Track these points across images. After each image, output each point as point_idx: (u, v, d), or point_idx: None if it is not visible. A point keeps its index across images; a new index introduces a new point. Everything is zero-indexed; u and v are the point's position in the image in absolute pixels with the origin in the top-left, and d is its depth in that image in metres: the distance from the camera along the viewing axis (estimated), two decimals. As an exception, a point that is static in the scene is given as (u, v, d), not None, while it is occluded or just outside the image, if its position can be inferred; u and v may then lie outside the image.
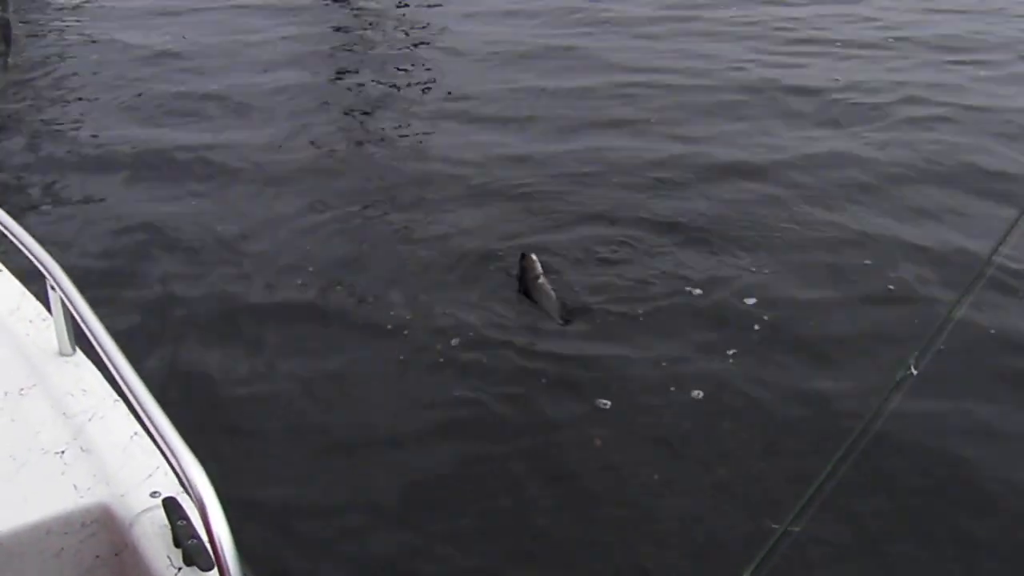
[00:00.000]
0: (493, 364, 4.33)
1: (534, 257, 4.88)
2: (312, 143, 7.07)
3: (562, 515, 3.52)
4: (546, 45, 9.19)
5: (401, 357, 4.40)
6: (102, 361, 2.11)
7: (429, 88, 8.22)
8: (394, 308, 4.78)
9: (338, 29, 10.17)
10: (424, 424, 4.00)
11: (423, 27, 10.08)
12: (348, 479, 3.71)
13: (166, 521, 1.78)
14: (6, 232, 2.32)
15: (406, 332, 4.57)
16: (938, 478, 3.69)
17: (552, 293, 4.77)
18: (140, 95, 8.06)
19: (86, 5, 11.06)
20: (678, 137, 6.98)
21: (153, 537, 1.78)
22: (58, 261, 2.16)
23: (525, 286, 4.84)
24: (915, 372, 1.34)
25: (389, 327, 4.62)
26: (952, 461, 3.76)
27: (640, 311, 4.75)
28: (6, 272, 2.65)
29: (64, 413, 2.09)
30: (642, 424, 3.97)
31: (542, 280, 4.81)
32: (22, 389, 2.16)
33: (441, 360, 4.37)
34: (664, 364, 4.32)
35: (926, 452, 3.78)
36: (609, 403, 4.05)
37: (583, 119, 7.38)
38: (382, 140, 7.22)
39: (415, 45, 9.58)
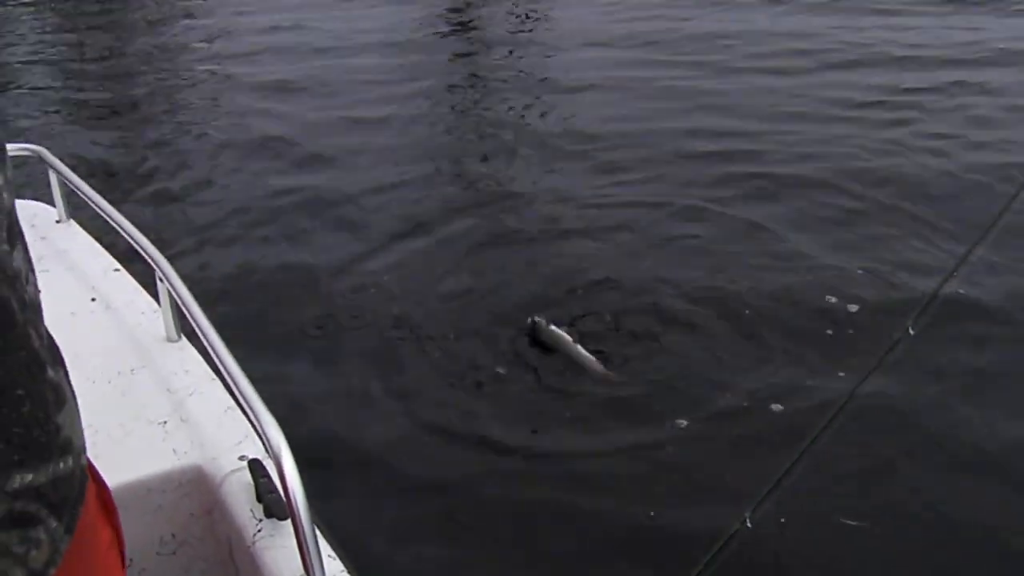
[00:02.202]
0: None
1: (542, 321, 4.66)
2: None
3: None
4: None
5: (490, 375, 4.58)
6: (203, 346, 2.36)
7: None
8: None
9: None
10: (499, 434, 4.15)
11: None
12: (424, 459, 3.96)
13: (250, 480, 1.99)
14: (120, 230, 2.59)
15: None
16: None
17: (579, 349, 4.54)
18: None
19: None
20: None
21: (239, 494, 2.00)
22: (166, 255, 2.43)
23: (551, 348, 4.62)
24: (912, 333, 1.43)
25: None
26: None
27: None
28: (123, 271, 2.93)
29: (168, 389, 2.33)
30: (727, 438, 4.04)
31: (565, 337, 4.59)
32: (133, 369, 2.42)
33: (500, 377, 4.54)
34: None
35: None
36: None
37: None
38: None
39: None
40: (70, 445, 0.94)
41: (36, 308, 0.92)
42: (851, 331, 4.65)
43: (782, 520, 3.39)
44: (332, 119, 8.22)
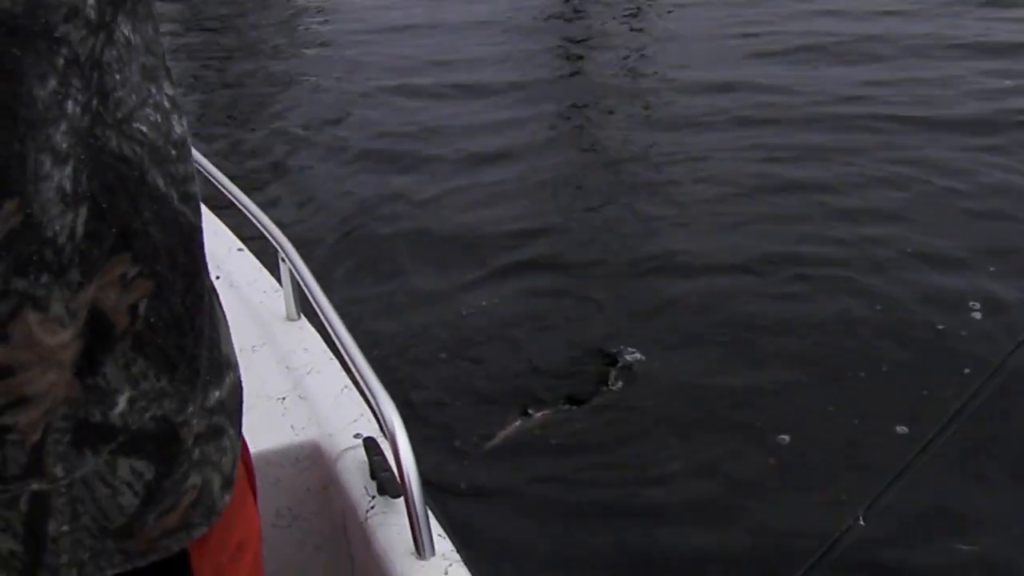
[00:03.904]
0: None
1: None
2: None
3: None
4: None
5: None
6: (322, 325, 2.43)
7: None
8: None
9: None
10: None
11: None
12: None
13: (365, 457, 2.03)
14: (244, 210, 2.67)
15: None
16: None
17: None
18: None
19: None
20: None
21: (354, 471, 2.04)
22: (288, 236, 2.49)
23: None
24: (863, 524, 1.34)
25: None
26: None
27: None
28: (246, 251, 3.02)
29: (287, 367, 2.39)
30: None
31: None
32: (254, 347, 2.49)
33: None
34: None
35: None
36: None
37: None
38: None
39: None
40: (233, 357, 1.04)
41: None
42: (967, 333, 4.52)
43: (897, 518, 3.32)
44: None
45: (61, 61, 0.78)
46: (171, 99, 0.92)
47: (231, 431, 1.01)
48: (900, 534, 3.34)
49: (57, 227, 0.79)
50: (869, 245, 5.50)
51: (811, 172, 6.55)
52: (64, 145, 0.78)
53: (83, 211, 0.81)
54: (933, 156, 6.61)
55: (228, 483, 1.00)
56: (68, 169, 0.79)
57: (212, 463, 0.97)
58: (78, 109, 0.79)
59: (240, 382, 1.06)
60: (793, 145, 6.99)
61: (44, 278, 0.79)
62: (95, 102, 0.81)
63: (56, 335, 0.81)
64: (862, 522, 1.39)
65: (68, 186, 0.79)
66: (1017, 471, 3.70)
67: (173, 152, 0.91)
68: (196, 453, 0.95)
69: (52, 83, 0.77)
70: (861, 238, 5.59)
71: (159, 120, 0.89)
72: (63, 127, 0.78)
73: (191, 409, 0.93)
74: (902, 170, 6.44)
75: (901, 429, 3.90)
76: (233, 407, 1.02)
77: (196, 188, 0.96)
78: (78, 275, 0.81)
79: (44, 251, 0.78)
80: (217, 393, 0.97)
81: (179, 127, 0.93)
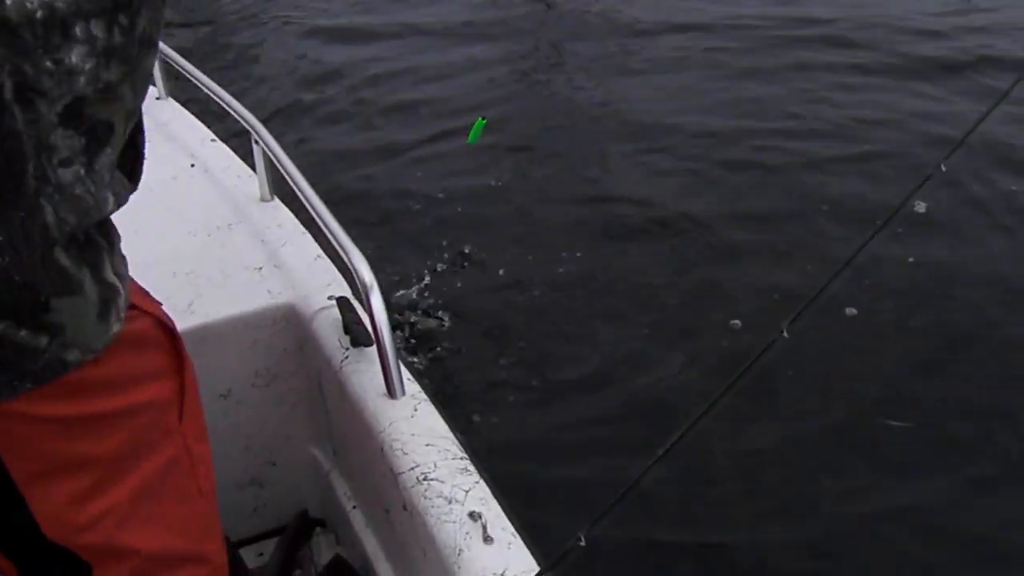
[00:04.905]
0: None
1: None
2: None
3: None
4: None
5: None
6: (294, 204, 2.56)
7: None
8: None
9: None
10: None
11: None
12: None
13: (338, 315, 2.18)
14: (215, 97, 2.77)
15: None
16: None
17: None
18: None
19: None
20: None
21: (328, 327, 2.19)
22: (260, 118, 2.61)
23: None
24: (786, 335, 1.44)
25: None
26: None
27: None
28: (219, 141, 3.12)
29: (262, 241, 2.53)
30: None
31: None
32: (230, 224, 2.62)
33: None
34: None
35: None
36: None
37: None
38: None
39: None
40: (61, 331, 1.14)
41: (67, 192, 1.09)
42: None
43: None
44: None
45: None
46: None
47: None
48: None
49: None
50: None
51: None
52: None
53: None
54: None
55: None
56: None
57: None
58: None
59: (59, 362, 1.16)
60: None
61: None
62: None
63: None
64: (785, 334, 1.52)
65: None
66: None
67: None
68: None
69: None
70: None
71: None
72: None
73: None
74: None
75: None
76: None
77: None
78: None
79: None
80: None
81: None
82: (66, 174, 1.06)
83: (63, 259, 1.11)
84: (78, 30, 1.00)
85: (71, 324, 1.14)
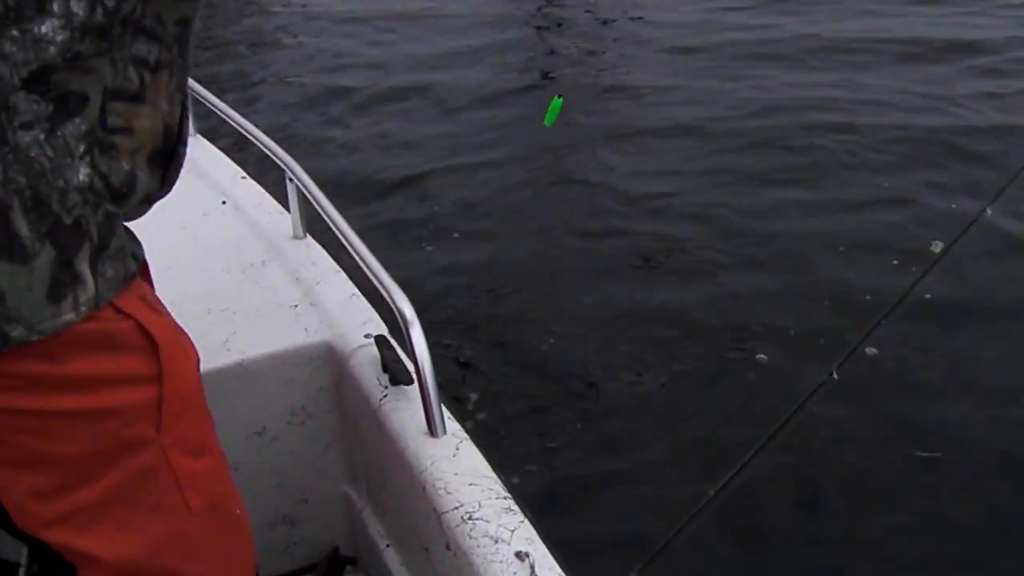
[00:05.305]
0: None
1: None
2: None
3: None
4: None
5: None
6: (327, 242, 2.55)
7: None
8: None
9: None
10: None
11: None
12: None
13: (376, 353, 2.15)
14: (249, 135, 2.77)
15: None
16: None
17: None
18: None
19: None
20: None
21: (366, 366, 2.16)
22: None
23: None
24: (836, 377, 1.43)
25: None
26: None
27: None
28: (249, 179, 3.13)
29: (296, 279, 2.51)
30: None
31: None
32: (264, 262, 2.60)
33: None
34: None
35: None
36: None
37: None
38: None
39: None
40: (1, 298, 1.14)
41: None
42: None
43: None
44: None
45: None
46: None
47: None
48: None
49: None
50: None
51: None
52: None
53: None
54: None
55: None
56: None
57: None
58: None
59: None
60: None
61: None
62: None
63: None
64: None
65: None
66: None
67: None
68: None
69: None
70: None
71: None
72: None
73: None
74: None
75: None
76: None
77: None
78: None
79: None
80: None
81: None
82: (25, 137, 1.10)
83: (19, 224, 1.12)
84: (55, 6, 1.06)
85: (11, 293, 1.13)
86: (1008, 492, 3.57)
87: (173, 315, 1.36)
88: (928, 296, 4.20)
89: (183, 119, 1.37)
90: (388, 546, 2.26)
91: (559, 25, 9.80)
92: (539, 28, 9.74)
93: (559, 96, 2.06)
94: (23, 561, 1.44)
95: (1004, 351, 4.32)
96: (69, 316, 1.19)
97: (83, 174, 1.17)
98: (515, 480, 3.45)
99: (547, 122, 2.08)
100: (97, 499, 1.31)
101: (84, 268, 1.19)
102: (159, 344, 1.30)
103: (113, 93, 1.20)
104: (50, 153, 1.13)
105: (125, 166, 1.25)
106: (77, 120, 1.15)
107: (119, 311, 1.27)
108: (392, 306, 1.98)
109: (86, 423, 1.27)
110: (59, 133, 1.13)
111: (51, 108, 1.12)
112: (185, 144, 1.38)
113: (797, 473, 3.59)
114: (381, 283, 2.04)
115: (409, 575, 2.15)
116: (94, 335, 1.23)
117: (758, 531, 3.39)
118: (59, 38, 1.08)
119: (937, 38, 8.37)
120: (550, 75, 8.43)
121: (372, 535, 2.32)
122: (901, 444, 3.78)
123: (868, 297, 4.59)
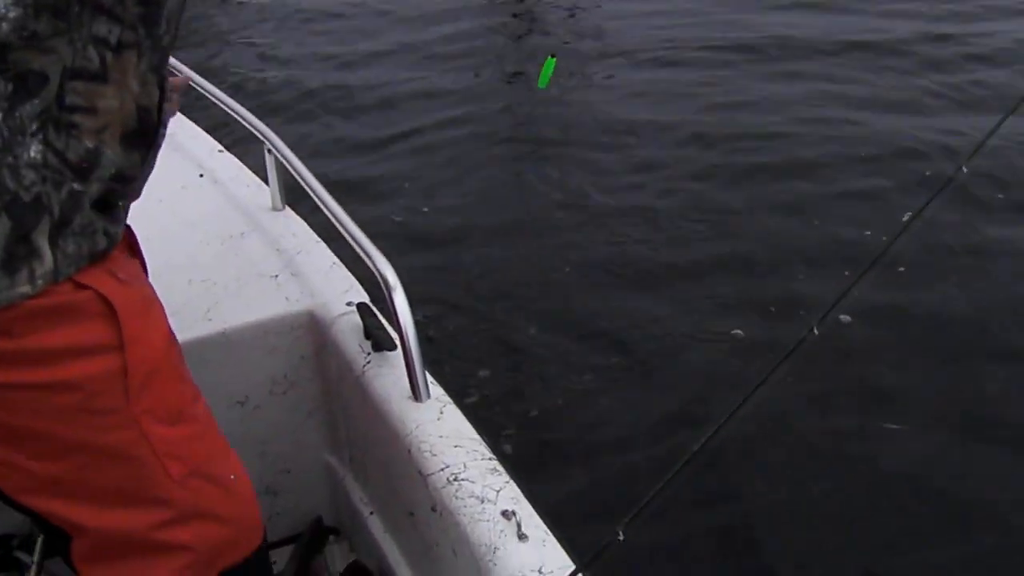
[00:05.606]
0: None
1: None
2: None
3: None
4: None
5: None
6: (306, 212, 2.55)
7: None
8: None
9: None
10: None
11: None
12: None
13: (359, 321, 2.16)
14: (227, 108, 2.76)
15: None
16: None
17: None
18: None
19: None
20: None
21: (348, 332, 2.17)
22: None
23: None
24: (816, 333, 1.43)
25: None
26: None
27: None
28: (226, 152, 3.11)
29: (277, 249, 2.51)
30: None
31: None
32: (243, 233, 2.60)
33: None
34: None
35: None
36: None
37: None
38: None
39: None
40: None
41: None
42: None
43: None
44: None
45: None
46: None
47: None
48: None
49: None
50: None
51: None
52: None
53: None
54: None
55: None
56: None
57: None
58: None
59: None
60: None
61: None
62: None
63: None
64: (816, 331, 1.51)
65: None
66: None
67: None
68: None
69: None
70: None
71: None
72: None
73: None
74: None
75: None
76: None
77: None
78: None
79: None
80: None
81: None
82: None
83: None
84: None
85: None
86: (980, 455, 3.61)
87: (154, 286, 1.36)
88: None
89: (162, 100, 1.37)
90: (372, 513, 2.27)
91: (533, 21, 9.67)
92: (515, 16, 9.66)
93: (553, 56, 2.03)
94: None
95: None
96: (24, 288, 1.20)
97: (34, 150, 1.17)
98: (501, 447, 3.48)
99: (541, 83, 2.06)
100: (73, 468, 1.32)
101: (43, 243, 1.20)
102: (118, 311, 1.30)
103: (73, 72, 1.20)
104: (6, 133, 1.14)
105: (88, 143, 1.25)
106: (36, 101, 1.16)
107: (79, 285, 1.27)
108: (375, 272, 1.98)
109: (48, 395, 1.27)
110: (16, 113, 1.15)
111: (10, 87, 1.13)
112: (165, 125, 1.38)
113: (775, 432, 3.62)
114: (363, 249, 2.04)
115: (393, 541, 2.16)
116: (52, 308, 1.24)
117: (736, 488, 3.42)
118: (11, 15, 1.08)
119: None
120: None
121: (355, 503, 2.33)
122: (873, 410, 3.82)
123: (846, 272, 4.59)
